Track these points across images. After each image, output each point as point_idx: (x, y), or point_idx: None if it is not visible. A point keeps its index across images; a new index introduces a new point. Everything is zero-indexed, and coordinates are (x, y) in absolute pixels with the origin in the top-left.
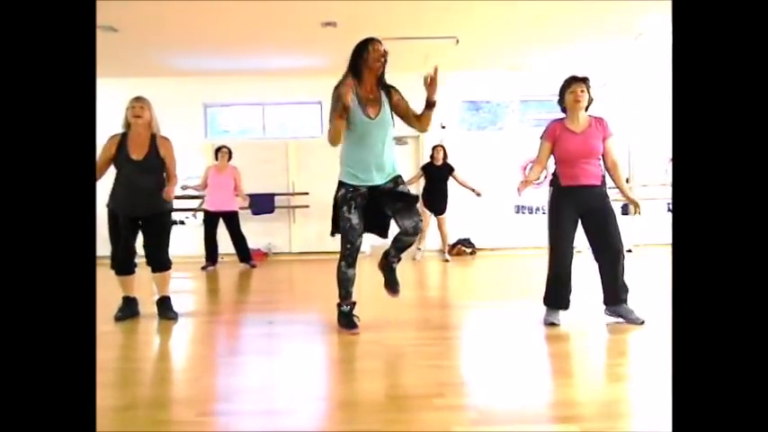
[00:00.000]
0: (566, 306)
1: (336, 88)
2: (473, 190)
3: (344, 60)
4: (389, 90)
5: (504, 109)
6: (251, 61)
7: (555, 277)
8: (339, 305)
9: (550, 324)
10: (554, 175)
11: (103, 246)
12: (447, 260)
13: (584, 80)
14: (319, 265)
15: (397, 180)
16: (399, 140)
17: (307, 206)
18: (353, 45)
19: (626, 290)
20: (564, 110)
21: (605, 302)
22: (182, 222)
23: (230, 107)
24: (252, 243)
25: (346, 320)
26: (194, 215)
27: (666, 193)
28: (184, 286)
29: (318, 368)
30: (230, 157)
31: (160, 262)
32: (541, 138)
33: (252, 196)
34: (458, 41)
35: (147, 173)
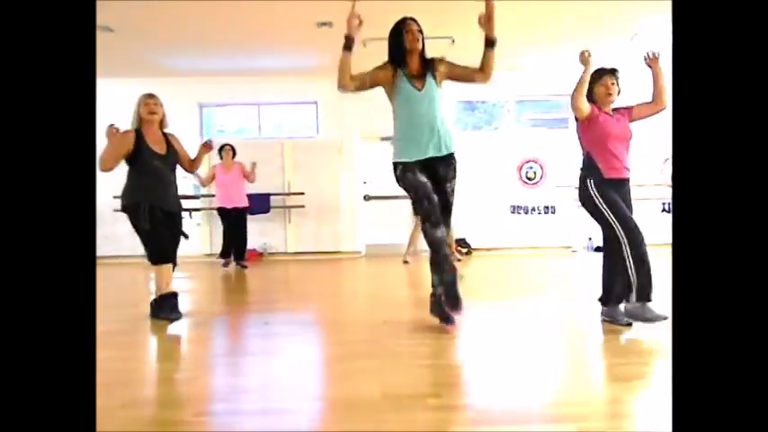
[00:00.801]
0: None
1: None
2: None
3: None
4: (434, 62)
5: (500, 109)
6: (247, 61)
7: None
8: (432, 294)
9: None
10: (588, 168)
11: (103, 246)
12: (459, 260)
13: (613, 72)
14: (315, 264)
15: (451, 161)
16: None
17: (302, 206)
18: None
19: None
20: (593, 102)
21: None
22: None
23: (226, 107)
24: (248, 243)
25: (451, 295)
26: (190, 215)
27: (661, 193)
28: (181, 286)
29: (315, 368)
30: (234, 154)
31: (175, 257)
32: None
33: (247, 196)
34: (453, 41)
35: (171, 168)
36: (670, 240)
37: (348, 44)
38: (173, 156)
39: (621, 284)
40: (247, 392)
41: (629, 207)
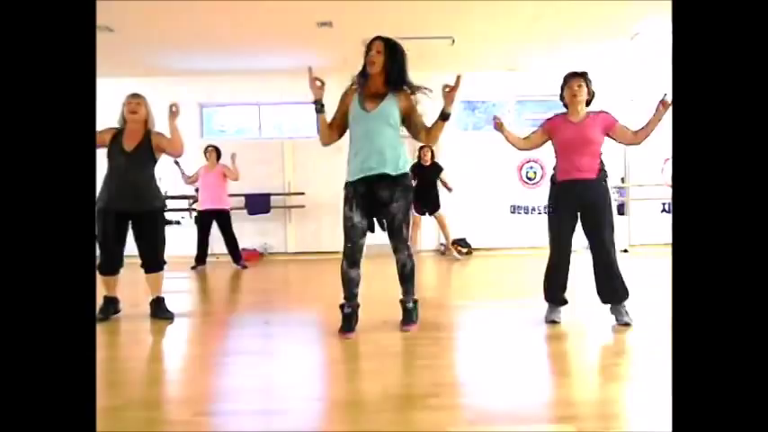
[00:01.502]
0: (558, 302)
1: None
2: (448, 187)
3: (341, 60)
4: (402, 92)
5: (501, 109)
6: (247, 61)
7: (548, 272)
8: (341, 306)
9: (551, 322)
10: (553, 171)
11: None
12: (458, 258)
13: (583, 75)
14: (315, 264)
15: (397, 181)
16: None
17: (302, 206)
18: (350, 45)
19: (622, 288)
20: (566, 106)
21: (603, 301)
22: (177, 222)
23: (226, 107)
24: (248, 243)
25: (342, 323)
26: (190, 215)
27: (661, 193)
28: (180, 286)
29: (314, 368)
30: (219, 156)
31: (153, 262)
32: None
33: (247, 196)
34: (453, 41)
35: (137, 165)
36: (670, 240)
37: (318, 108)
38: (143, 153)
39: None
40: (247, 392)
41: (595, 209)
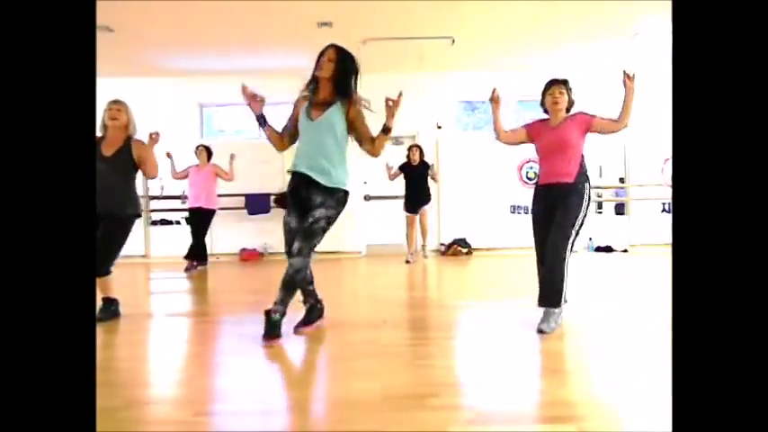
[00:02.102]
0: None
1: None
2: (435, 179)
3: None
4: (349, 101)
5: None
6: (247, 61)
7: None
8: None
9: (539, 331)
10: (536, 174)
11: None
12: (426, 256)
13: (564, 82)
14: (314, 264)
15: (329, 192)
16: (395, 141)
17: None
18: (350, 45)
19: (552, 293)
20: (546, 111)
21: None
22: (177, 222)
23: (226, 107)
24: (248, 243)
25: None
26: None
27: (661, 193)
28: (180, 286)
29: (314, 368)
30: (210, 156)
31: (99, 265)
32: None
33: (247, 196)
34: (453, 41)
35: (115, 171)
36: (670, 240)
37: (260, 122)
38: (121, 158)
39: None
40: (247, 392)
41: (562, 212)
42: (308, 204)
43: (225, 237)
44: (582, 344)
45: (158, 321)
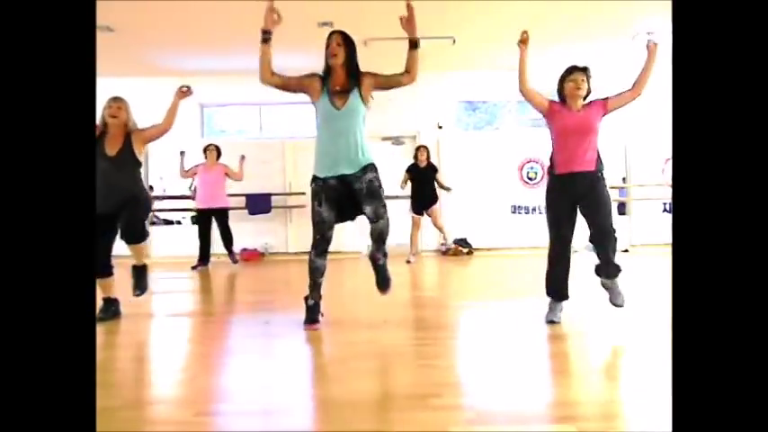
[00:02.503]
0: (559, 297)
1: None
2: (446, 188)
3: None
4: (359, 77)
5: (501, 109)
6: (247, 61)
7: (549, 265)
8: (306, 298)
9: (550, 322)
10: (550, 162)
11: None
12: (446, 251)
13: (585, 69)
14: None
15: (366, 168)
16: (396, 141)
17: (303, 206)
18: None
19: (617, 268)
20: (563, 99)
21: (597, 273)
22: (178, 222)
23: (227, 107)
24: (248, 243)
25: (307, 315)
26: (192, 219)
27: (663, 194)
28: (181, 286)
29: (315, 368)
30: (219, 155)
31: (136, 232)
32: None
33: (248, 196)
34: (454, 41)
35: (121, 169)
36: (670, 240)
37: (265, 37)
38: (125, 157)
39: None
40: (248, 392)
41: (592, 200)
42: (353, 195)
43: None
44: (582, 344)
45: (159, 321)
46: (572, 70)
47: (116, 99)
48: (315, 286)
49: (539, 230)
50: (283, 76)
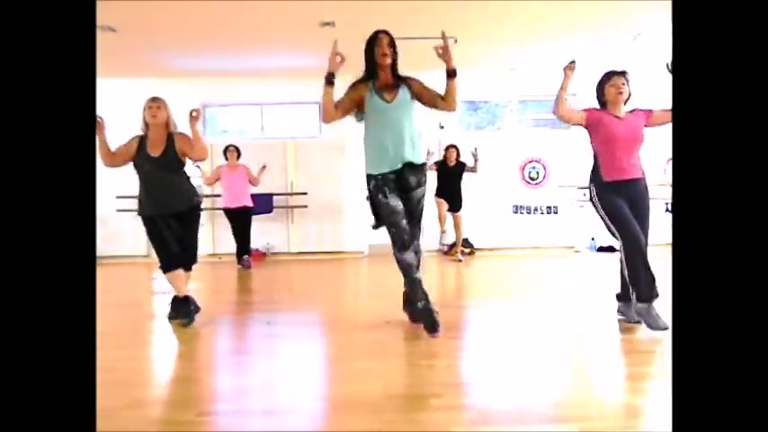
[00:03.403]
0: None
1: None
2: (475, 158)
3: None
4: (409, 81)
5: (503, 109)
6: (249, 61)
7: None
8: (411, 303)
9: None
10: (593, 172)
11: (104, 245)
12: (460, 260)
13: (624, 74)
14: (318, 265)
15: (422, 169)
16: None
17: (305, 206)
18: (351, 45)
19: (650, 289)
20: (603, 104)
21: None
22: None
23: (229, 107)
24: (251, 243)
25: (429, 319)
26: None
27: (664, 193)
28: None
29: (317, 368)
30: (239, 155)
31: (193, 260)
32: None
33: (250, 197)
34: (456, 41)
35: (167, 170)
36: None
37: (330, 80)
38: (170, 158)
39: (625, 285)
40: (251, 392)
41: (642, 207)
42: (406, 188)
43: (228, 237)
44: (583, 344)
45: (161, 321)
46: (611, 75)
47: (155, 99)
48: (413, 284)
49: (540, 231)
50: (339, 105)
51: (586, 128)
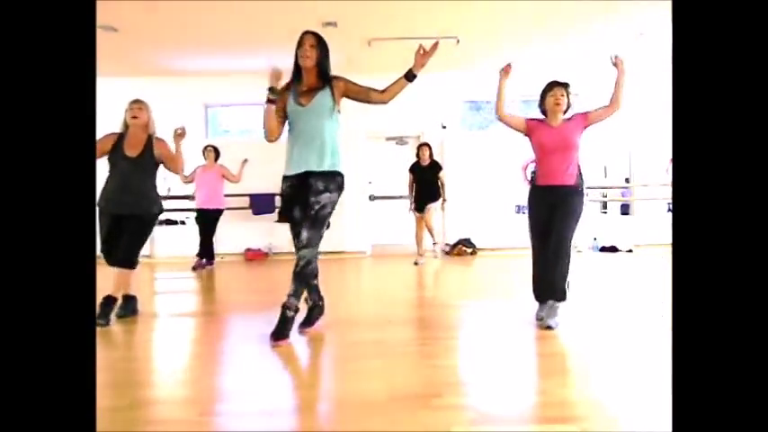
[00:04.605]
0: (541, 299)
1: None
2: (442, 189)
3: (346, 60)
4: (334, 81)
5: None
6: (251, 61)
7: (533, 272)
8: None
9: (546, 327)
10: (532, 174)
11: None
12: (432, 257)
13: (565, 85)
14: (320, 264)
15: (327, 176)
16: (400, 141)
17: None
18: (354, 45)
19: (555, 289)
20: (544, 112)
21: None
22: (182, 222)
23: (231, 107)
24: (253, 243)
25: (280, 323)
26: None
27: (667, 193)
28: (184, 286)
29: (318, 368)
30: (217, 156)
31: (125, 258)
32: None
33: (252, 196)
34: (458, 41)
35: (141, 171)
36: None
37: (269, 98)
38: (146, 160)
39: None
40: (251, 393)
41: (563, 210)
42: (308, 192)
43: (230, 236)
44: (584, 344)
45: (163, 321)
46: (552, 86)
47: (137, 101)
48: (294, 294)
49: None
50: (275, 119)
51: (527, 136)
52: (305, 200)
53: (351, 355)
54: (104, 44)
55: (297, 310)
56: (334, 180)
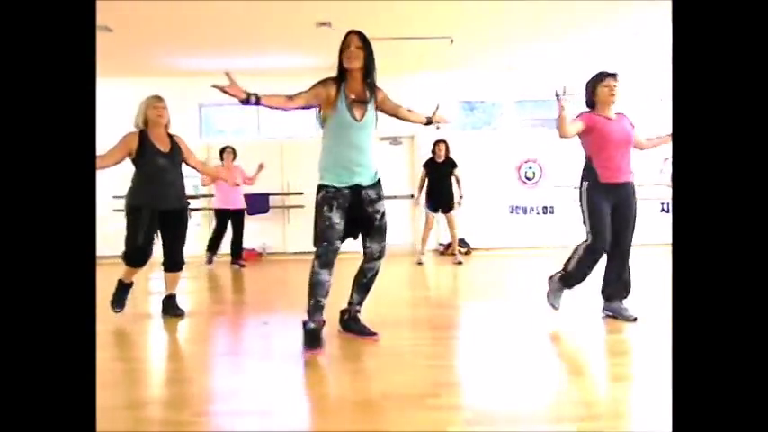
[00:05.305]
0: (613, 298)
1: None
2: (458, 186)
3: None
4: (374, 90)
5: (499, 109)
6: (246, 61)
7: (585, 266)
8: (305, 322)
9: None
10: (586, 170)
11: (103, 245)
12: (460, 262)
13: (616, 75)
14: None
15: (377, 186)
16: (394, 141)
17: (302, 206)
18: None
19: (628, 288)
20: (592, 105)
21: (604, 297)
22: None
23: (225, 107)
24: (246, 243)
25: (309, 338)
26: (189, 215)
27: (660, 193)
28: (180, 286)
29: (313, 368)
30: (235, 157)
31: (178, 261)
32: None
33: (246, 196)
34: (452, 41)
35: (176, 166)
36: (669, 240)
37: (256, 100)
38: (178, 154)
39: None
40: (246, 393)
41: (627, 211)
42: (362, 204)
43: (227, 236)
44: (582, 344)
45: (158, 321)
46: (604, 76)
47: (160, 99)
48: (315, 307)
49: (537, 230)
50: (300, 96)
51: (587, 132)
52: (359, 212)
53: (346, 355)
54: (99, 44)
55: (324, 324)
56: (381, 188)
